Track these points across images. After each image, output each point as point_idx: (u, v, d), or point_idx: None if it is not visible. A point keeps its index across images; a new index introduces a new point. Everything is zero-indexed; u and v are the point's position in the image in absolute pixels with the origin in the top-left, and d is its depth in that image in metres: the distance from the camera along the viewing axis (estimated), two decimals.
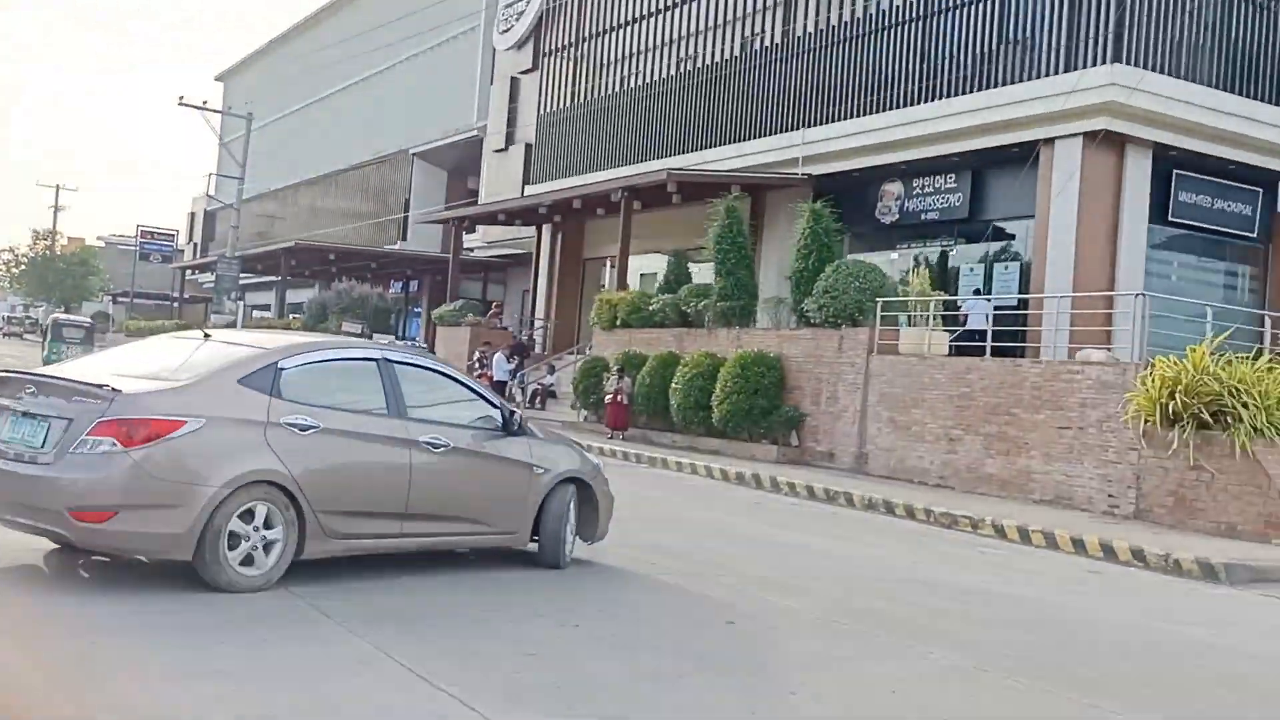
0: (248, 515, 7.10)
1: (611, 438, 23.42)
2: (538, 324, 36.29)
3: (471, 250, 50.36)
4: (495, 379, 27.96)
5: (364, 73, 61.22)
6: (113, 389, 6.89)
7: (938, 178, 24.55)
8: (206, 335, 8.10)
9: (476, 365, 29.51)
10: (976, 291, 22.18)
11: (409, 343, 34.21)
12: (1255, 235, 23.46)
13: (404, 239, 54.88)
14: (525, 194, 36.84)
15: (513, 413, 8.92)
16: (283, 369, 7.51)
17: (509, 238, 42.14)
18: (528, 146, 39.74)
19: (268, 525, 7.19)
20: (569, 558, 9.09)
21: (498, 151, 41.89)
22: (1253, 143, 21.83)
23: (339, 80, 63.63)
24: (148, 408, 6.90)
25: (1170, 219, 22.34)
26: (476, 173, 56.34)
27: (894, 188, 25.65)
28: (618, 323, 25.83)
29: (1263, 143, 21.86)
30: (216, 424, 7.03)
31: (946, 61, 23.56)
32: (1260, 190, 23.22)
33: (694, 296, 24.01)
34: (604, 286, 37.18)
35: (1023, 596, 9.86)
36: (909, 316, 19.97)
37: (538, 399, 29.08)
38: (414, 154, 55.78)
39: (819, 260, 21.00)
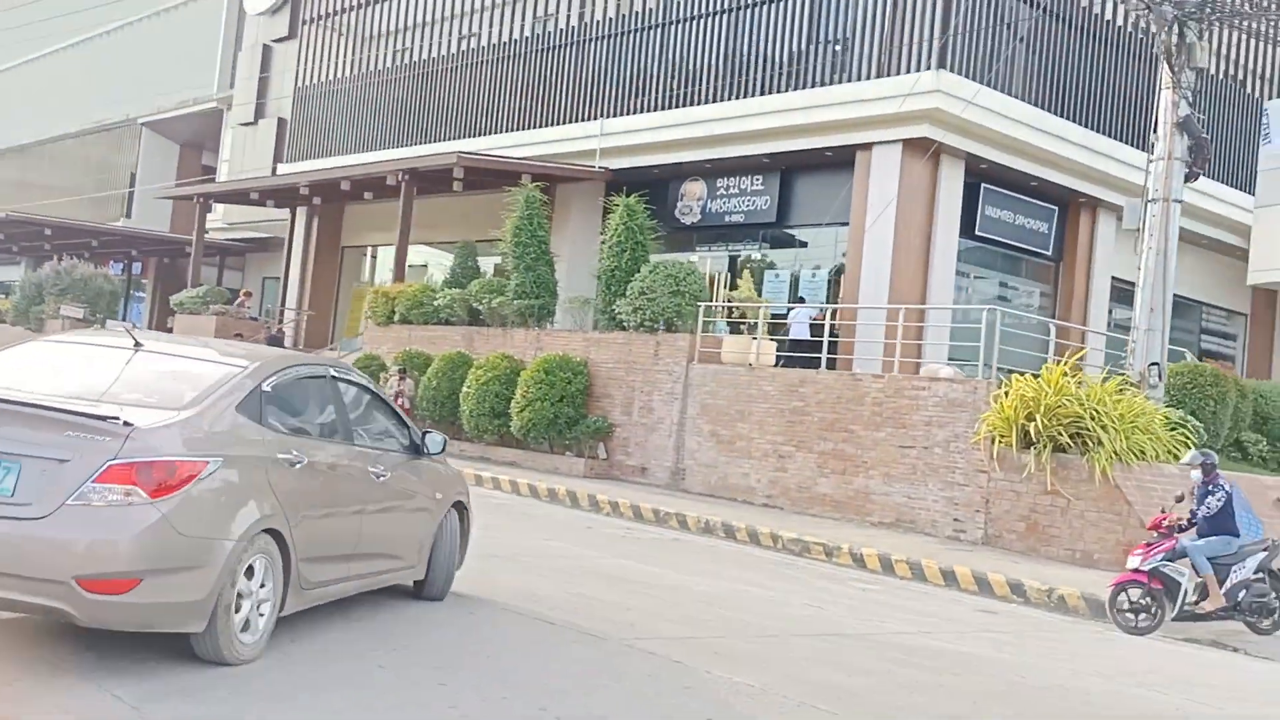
0: (249, 572, 5.85)
1: None
2: (289, 315, 33.22)
3: (207, 232, 46.37)
4: None
5: (87, 32, 55.59)
6: (125, 421, 5.41)
7: (744, 179, 23.50)
8: (137, 343, 6.50)
9: None
10: (801, 300, 21.16)
11: (130, 326, 30.59)
12: (1050, 253, 23.56)
13: (128, 216, 50.09)
14: (279, 172, 33.70)
15: (425, 434, 7.69)
16: (264, 390, 6.24)
17: (251, 220, 38.67)
18: (281, 121, 36.54)
19: (261, 582, 5.98)
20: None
21: (245, 125, 38.39)
22: (1059, 161, 21.80)
23: (57, 40, 57.58)
24: (169, 446, 5.49)
25: (976, 233, 22.06)
26: (215, 148, 52.21)
27: (696, 187, 24.46)
28: (395, 318, 23.52)
29: (1068, 161, 21.86)
30: (230, 463, 5.76)
31: (758, 58, 22.54)
32: (1056, 209, 23.33)
33: (487, 292, 22.03)
34: (363, 279, 34.60)
35: (969, 655, 8.57)
36: (729, 324, 18.73)
37: None
38: (143, 124, 51.02)
39: (632, 260, 19.48)
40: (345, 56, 33.32)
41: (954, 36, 19.88)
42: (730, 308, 19.38)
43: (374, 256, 34.79)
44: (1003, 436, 14.34)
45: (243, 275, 47.82)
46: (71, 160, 55.81)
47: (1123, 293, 22.63)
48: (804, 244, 22.75)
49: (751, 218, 23.31)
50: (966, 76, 19.94)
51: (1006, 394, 14.49)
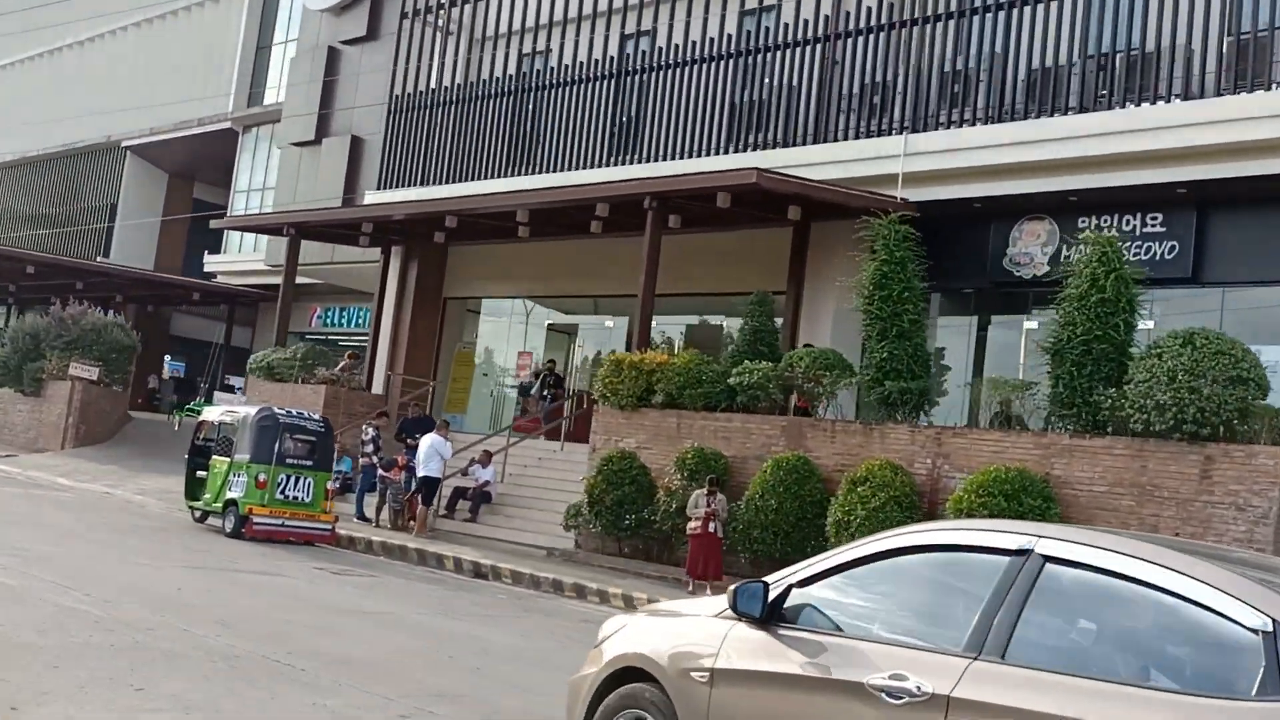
0: None
1: (693, 590, 14.27)
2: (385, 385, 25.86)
3: (213, 276, 38.74)
4: (424, 474, 17.78)
5: (58, 41, 47.65)
6: None
7: (1131, 216, 17.18)
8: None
9: (368, 449, 19.19)
10: None
11: (242, 397, 22.80)
12: None
13: (105, 254, 42.12)
14: (367, 200, 26.49)
15: None
16: None
17: (314, 263, 31.47)
18: (356, 140, 29.40)
19: None
20: None
21: (301, 145, 31.08)
22: None
23: (20, 49, 49.45)
24: None
25: None
26: (213, 178, 44.54)
27: (1039, 227, 18.07)
28: (657, 399, 16.57)
29: None
30: None
31: (1164, 50, 16.38)
32: None
33: (820, 368, 15.25)
34: (468, 339, 27.47)
35: None
36: None
37: (461, 505, 19.06)
38: (127, 147, 43.23)
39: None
40: (461, 58, 26.41)
41: None
42: None
43: (476, 312, 27.74)
44: None
45: (253, 331, 40.11)
46: (33, 187, 47.51)
47: None
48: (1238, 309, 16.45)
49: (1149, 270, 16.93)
50: None
51: None
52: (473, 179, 25.17)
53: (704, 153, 21.20)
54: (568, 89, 23.97)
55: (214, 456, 16.80)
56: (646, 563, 15.93)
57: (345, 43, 30.50)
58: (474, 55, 26.57)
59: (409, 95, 26.76)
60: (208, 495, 16.67)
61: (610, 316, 24.87)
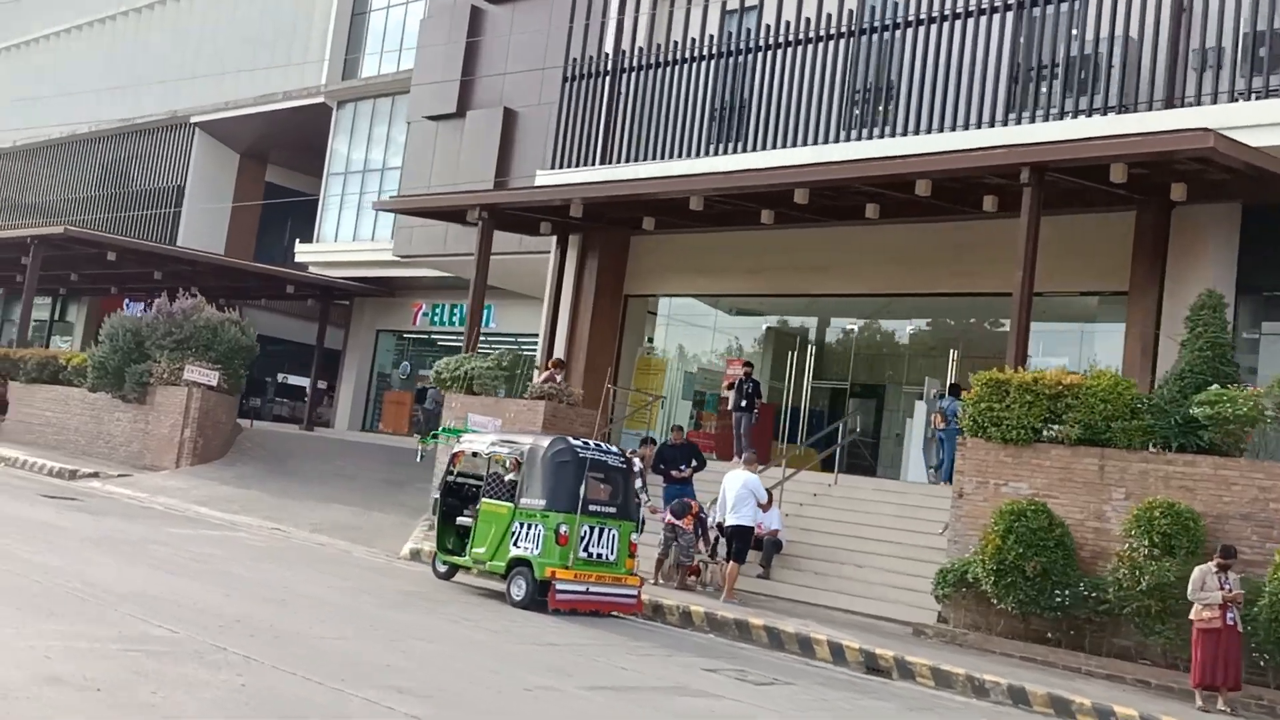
0: None
1: (1203, 705, 10.51)
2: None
3: (305, 268, 34.71)
4: (735, 523, 13.84)
5: (115, 7, 43.54)
6: None
7: None
8: None
9: (636, 485, 15.23)
10: None
11: (493, 424, 18.09)
12: None
13: (171, 240, 38.07)
14: (540, 182, 22.52)
15: None
16: None
17: (436, 254, 27.49)
18: (510, 113, 25.46)
19: None
20: None
21: (437, 119, 27.11)
22: None
23: (72, 16, 45.36)
24: None
25: None
26: (286, 159, 40.60)
27: None
28: (1068, 435, 12.72)
29: None
30: None
31: None
32: None
33: None
34: (650, 345, 23.59)
35: None
36: None
37: (718, 549, 15.10)
38: (196, 123, 39.22)
39: None
40: (645, 17, 22.52)
41: None
42: None
43: (653, 312, 23.85)
44: None
45: (345, 331, 36.13)
46: (85, 166, 43.38)
47: None
48: None
49: None
50: None
51: None
52: (671, 157, 21.31)
53: (976, 124, 17.41)
54: (789, 50, 20.12)
55: (484, 500, 12.89)
56: (1073, 652, 12.09)
57: (491, 1, 26.54)
58: (663, 13, 22.69)
59: (589, 60, 22.83)
60: (479, 550, 12.75)
61: (850, 319, 21.07)
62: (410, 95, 28.36)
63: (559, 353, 21.95)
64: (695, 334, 24.25)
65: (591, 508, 12.45)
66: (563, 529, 12.12)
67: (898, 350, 21.56)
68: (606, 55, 22.46)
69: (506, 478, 12.95)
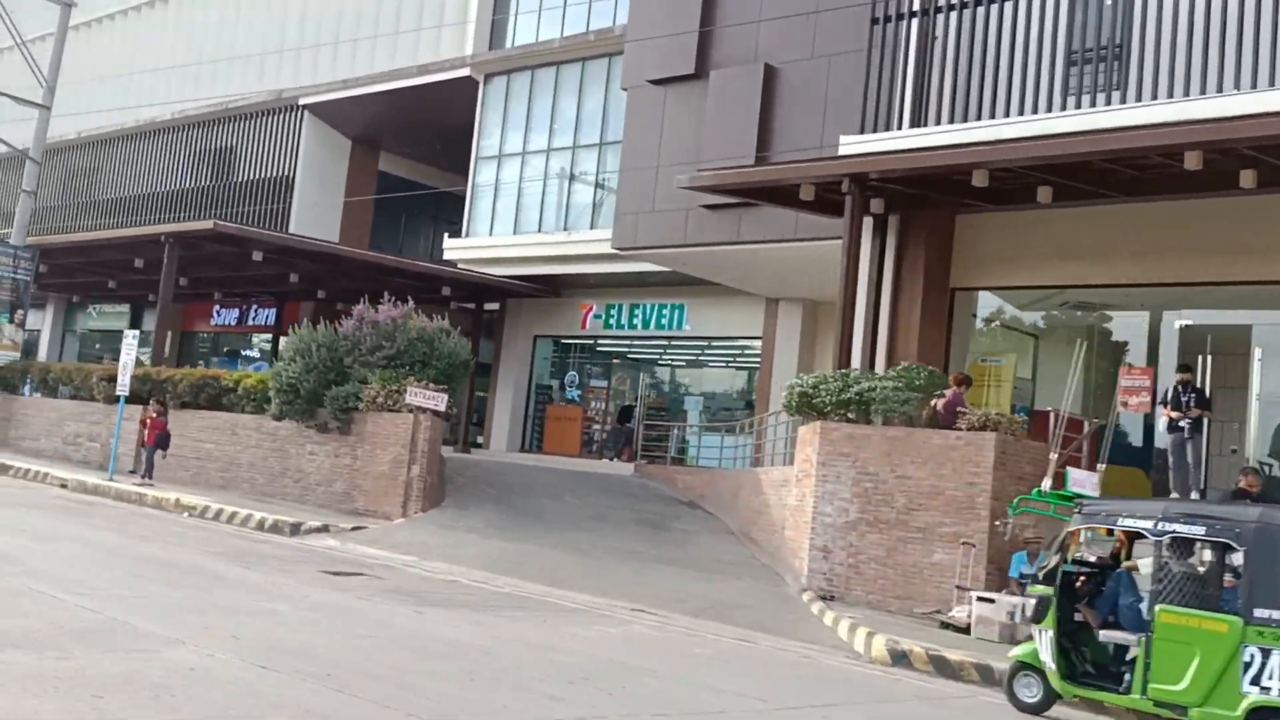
0: None
1: None
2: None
3: (453, 265, 30.19)
4: None
5: None
6: None
7: None
8: None
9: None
10: None
11: None
12: None
13: (285, 228, 33.54)
14: (844, 151, 18.02)
15: None
16: None
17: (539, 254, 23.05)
18: (771, 70, 20.98)
19: None
20: None
21: (665, 82, 22.59)
22: None
23: None
24: None
25: None
26: (398, 148, 36.18)
27: None
28: None
29: None
30: None
31: None
32: None
33: None
34: (988, 355, 19.20)
35: None
36: None
37: None
38: (305, 105, 34.71)
39: None
40: None
41: None
42: None
43: (975, 315, 19.40)
44: None
45: (497, 340, 31.62)
46: (174, 155, 38.75)
47: None
48: None
49: None
50: None
51: None
52: (1022, 114, 16.97)
53: None
54: None
55: (1163, 608, 8.47)
56: None
57: None
58: None
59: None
60: (1172, 686, 8.30)
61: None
62: (624, 57, 23.84)
63: (855, 360, 17.32)
64: (1017, 339, 19.90)
65: None
66: None
67: None
68: None
69: (1200, 572, 8.53)
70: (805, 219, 19.41)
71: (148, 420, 20.72)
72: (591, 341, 30.56)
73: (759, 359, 26.32)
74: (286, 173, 35.00)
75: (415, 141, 35.79)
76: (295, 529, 17.05)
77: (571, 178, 28.42)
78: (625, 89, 23.71)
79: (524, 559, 16.05)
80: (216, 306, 38.46)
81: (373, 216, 36.22)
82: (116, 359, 33.37)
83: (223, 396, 21.93)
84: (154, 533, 15.66)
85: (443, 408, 19.07)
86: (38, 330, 41.81)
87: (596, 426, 29.57)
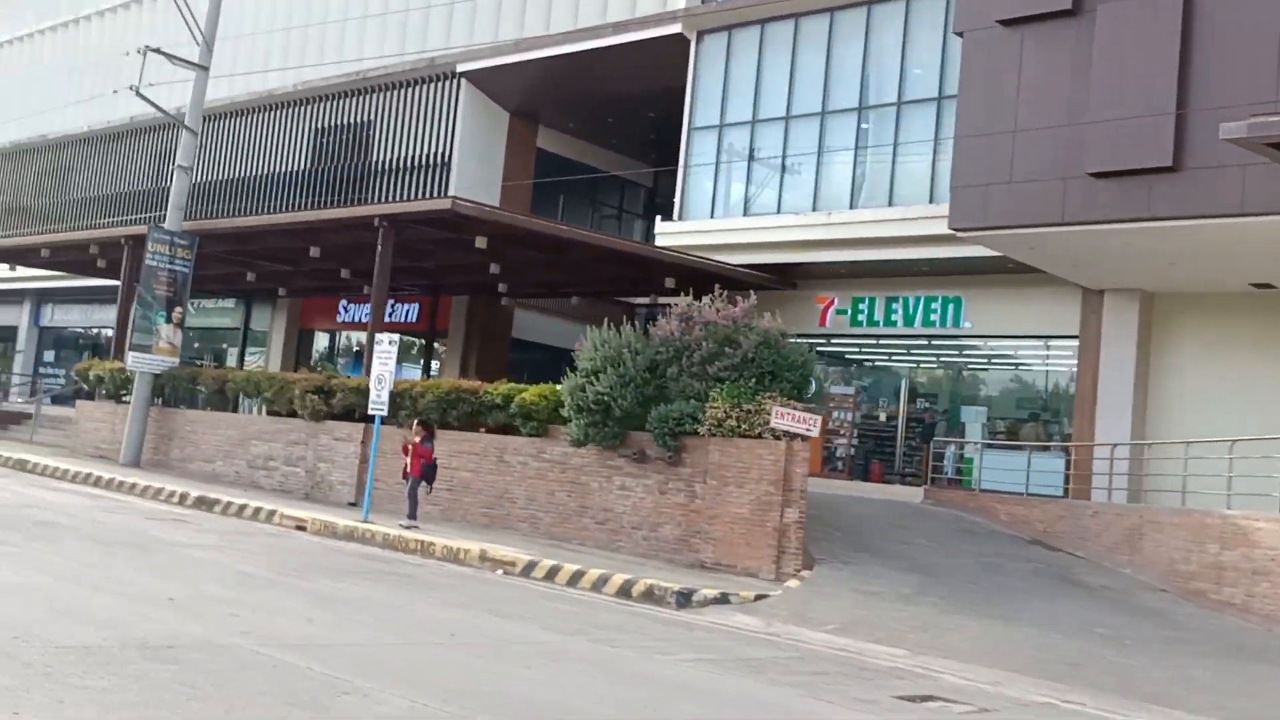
0: None
1: None
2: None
3: (679, 252, 25.72)
4: None
5: None
6: None
7: None
8: None
9: None
10: None
11: None
12: None
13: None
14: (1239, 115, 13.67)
15: None
16: None
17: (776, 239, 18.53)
18: (1190, 4, 16.58)
19: None
20: None
21: (1018, 23, 18.16)
22: None
23: None
24: None
25: None
26: (559, 122, 31.88)
27: None
28: None
29: None
30: None
31: None
32: None
33: None
34: None
35: None
36: None
37: None
38: (464, 73, 30.30)
39: None
40: None
41: None
42: None
43: None
44: None
45: None
46: (307, 132, 34.24)
47: None
48: None
49: None
50: None
51: None
52: None
53: None
54: None
55: None
56: None
57: None
58: None
59: None
60: None
61: None
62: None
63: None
64: None
65: None
66: None
67: None
68: None
69: None
70: (1257, 188, 15.14)
71: (409, 446, 16.29)
72: (826, 341, 26.14)
73: (1068, 362, 22.06)
74: (440, 151, 30.56)
75: (578, 114, 31.47)
76: (684, 600, 12.64)
77: (821, 150, 24.03)
78: (960, 33, 19.29)
79: (1045, 652, 11.61)
80: (343, 301, 34.13)
81: (531, 199, 31.88)
82: (218, 361, 29.07)
83: (483, 414, 17.53)
84: (531, 613, 11.25)
85: (816, 432, 14.69)
86: (110, 327, 37.13)
87: (841, 441, 25.20)
